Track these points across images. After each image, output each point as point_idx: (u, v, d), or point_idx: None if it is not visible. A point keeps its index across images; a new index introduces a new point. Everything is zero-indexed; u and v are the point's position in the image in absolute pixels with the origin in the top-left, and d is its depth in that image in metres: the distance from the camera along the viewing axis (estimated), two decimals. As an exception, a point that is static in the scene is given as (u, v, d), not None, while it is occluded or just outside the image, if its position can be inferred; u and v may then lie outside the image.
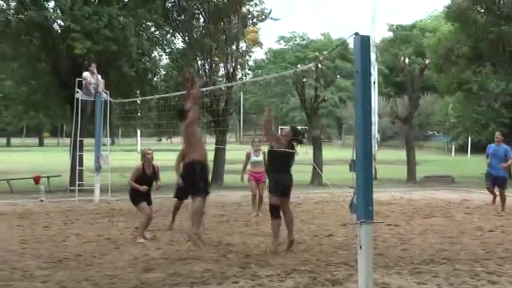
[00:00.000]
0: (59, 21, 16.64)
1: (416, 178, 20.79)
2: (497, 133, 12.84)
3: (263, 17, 19.98)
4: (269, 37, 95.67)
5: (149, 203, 8.80)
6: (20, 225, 10.10)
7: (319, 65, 19.73)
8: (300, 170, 20.56)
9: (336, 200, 11.86)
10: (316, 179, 18.79)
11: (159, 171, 8.98)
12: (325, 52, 44.67)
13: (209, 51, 19.29)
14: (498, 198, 12.35)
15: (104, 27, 15.56)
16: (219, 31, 19.29)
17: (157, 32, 19.08)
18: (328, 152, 27.96)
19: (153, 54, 18.72)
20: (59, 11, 16.28)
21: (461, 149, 45.92)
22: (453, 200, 14.39)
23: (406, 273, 6.53)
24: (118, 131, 40.99)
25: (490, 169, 12.25)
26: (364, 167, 5.24)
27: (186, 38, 19.65)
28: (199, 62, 19.69)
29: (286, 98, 67.96)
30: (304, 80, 19.54)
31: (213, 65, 19.40)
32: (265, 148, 9.78)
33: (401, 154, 24.21)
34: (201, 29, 19.69)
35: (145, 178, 8.72)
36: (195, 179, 7.93)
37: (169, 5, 19.29)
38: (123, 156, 27.29)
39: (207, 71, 19.33)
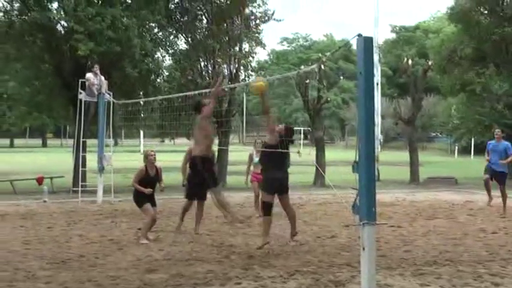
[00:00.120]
0: (63, 22, 16.65)
1: (420, 179, 20.79)
2: (497, 130, 12.85)
3: (266, 18, 20.00)
4: (272, 38, 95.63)
5: (153, 204, 8.79)
6: (23, 226, 10.10)
7: (322, 66, 19.67)
8: (303, 171, 20.70)
9: (338, 201, 11.85)
10: (319, 180, 18.79)
11: (162, 173, 8.97)
12: (328, 53, 44.75)
13: (212, 52, 19.32)
14: (498, 198, 12.31)
15: (107, 28, 15.57)
16: (222, 32, 19.30)
17: (160, 33, 19.09)
18: (331, 153, 27.99)
19: (156, 55, 18.72)
20: (62, 12, 16.30)
21: (465, 151, 45.88)
22: (456, 201, 14.37)
23: (409, 274, 6.53)
24: (121, 132, 41.06)
25: (490, 164, 12.27)
26: (367, 168, 5.24)
27: (189, 39, 19.66)
28: (202, 63, 19.73)
29: (289, 99, 68.06)
30: (307, 81, 19.51)
31: (216, 66, 19.42)
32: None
33: (405, 155, 24.21)
34: (204, 30, 19.70)
35: (148, 179, 8.70)
36: (202, 177, 8.50)
37: (173, 6, 19.31)
38: (126, 157, 27.27)
39: (210, 72, 19.36)
